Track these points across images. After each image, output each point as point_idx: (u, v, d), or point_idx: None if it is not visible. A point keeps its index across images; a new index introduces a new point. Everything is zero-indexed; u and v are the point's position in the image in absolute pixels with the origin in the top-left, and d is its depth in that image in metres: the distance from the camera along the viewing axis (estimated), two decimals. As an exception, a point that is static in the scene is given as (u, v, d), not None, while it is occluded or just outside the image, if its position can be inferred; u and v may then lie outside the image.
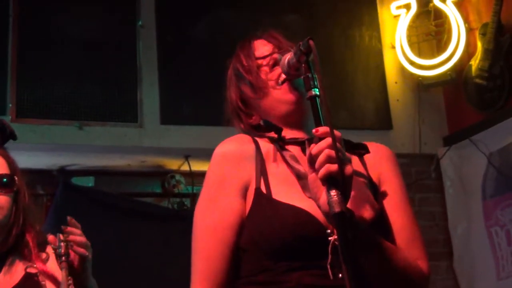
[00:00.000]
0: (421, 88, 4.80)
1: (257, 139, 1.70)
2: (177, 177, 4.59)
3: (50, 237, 2.00)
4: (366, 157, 1.73)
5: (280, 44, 1.75)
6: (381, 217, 1.61)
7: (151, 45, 4.35)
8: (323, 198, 1.41)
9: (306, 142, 1.68)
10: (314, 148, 1.40)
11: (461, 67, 4.58)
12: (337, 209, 1.35)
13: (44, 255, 2.12)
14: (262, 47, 1.77)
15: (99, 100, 4.16)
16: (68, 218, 2.04)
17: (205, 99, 4.26)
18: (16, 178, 2.15)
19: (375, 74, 4.81)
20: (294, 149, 1.68)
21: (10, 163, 2.18)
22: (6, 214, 2.08)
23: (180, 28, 4.45)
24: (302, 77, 1.53)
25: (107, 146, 4.17)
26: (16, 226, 2.12)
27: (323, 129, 1.42)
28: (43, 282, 2.08)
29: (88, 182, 4.50)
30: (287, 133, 1.70)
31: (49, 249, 2.15)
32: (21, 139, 2.22)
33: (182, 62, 4.36)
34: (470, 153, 4.52)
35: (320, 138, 1.41)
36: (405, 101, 4.83)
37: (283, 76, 1.66)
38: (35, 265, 2.09)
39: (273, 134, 1.70)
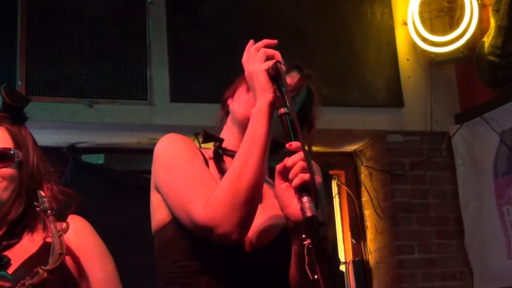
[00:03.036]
0: (433, 65, 4.75)
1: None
2: (187, 154, 4.58)
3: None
4: None
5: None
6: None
7: (160, 22, 4.31)
8: (293, 205, 1.58)
9: None
10: (289, 161, 1.58)
11: (474, 44, 4.53)
12: (309, 213, 1.50)
13: (64, 225, 2.06)
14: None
15: (109, 77, 4.14)
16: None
17: (215, 76, 4.23)
18: (18, 151, 2.09)
19: (386, 51, 4.76)
20: (229, 162, 1.93)
21: (14, 134, 2.12)
22: (6, 187, 2.06)
23: (190, 5, 4.41)
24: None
25: (117, 124, 4.17)
26: (20, 198, 2.08)
27: (296, 143, 1.59)
28: None
29: (98, 159, 4.51)
30: (229, 143, 1.99)
31: (70, 218, 2.13)
32: (31, 117, 2.20)
33: (191, 39, 4.33)
34: (482, 131, 4.48)
35: (292, 152, 1.59)
36: (416, 78, 4.78)
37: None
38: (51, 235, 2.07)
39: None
